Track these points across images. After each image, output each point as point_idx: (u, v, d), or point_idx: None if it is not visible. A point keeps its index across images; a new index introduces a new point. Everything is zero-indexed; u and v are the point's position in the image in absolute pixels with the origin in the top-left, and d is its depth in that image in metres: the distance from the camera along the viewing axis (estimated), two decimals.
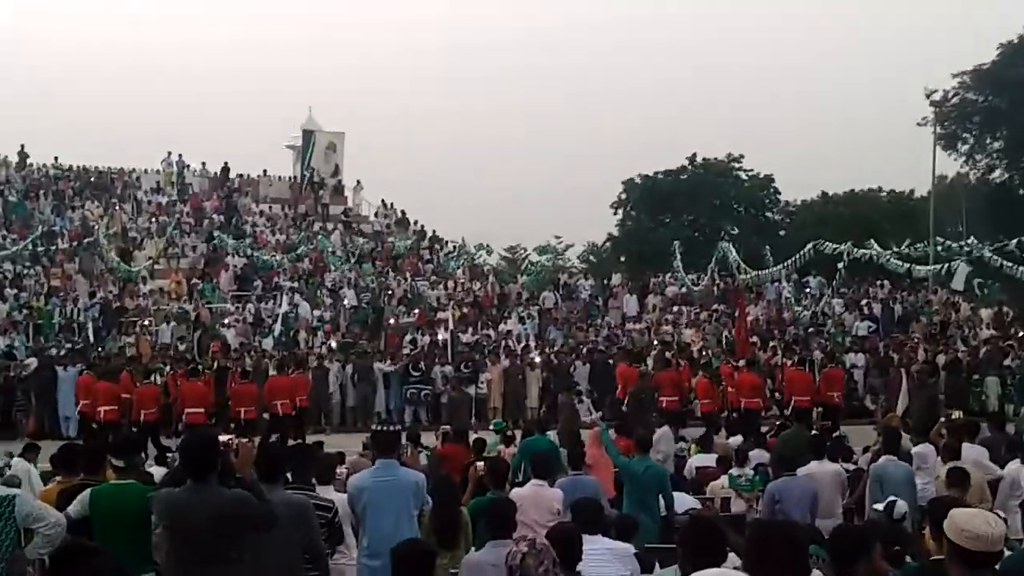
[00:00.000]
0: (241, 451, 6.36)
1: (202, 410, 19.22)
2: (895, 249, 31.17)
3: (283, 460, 6.80)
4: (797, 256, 30.54)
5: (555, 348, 26.38)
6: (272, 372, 21.47)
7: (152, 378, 20.26)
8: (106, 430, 18.27)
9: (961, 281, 28.48)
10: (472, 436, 13.68)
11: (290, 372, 20.91)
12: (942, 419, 14.61)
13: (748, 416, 19.55)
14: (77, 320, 27.41)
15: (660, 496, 10.09)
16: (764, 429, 16.98)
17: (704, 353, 24.69)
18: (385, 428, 7.52)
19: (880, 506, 8.55)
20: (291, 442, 16.21)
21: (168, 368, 21.73)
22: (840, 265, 30.50)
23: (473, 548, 7.77)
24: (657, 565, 6.92)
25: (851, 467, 12.29)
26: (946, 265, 28.64)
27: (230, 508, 5.77)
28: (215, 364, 22.32)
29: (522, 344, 27.36)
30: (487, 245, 38.72)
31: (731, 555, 4.88)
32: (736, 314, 26.76)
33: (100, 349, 25.14)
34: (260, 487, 6.18)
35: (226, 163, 43.80)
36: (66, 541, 6.05)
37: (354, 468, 12.17)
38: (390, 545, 6.62)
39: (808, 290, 33.63)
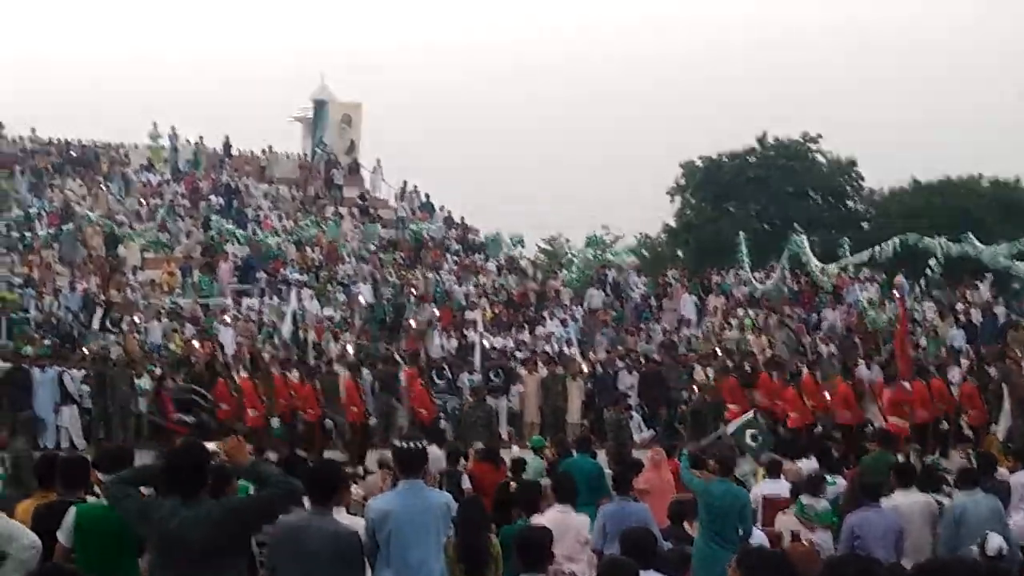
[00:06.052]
0: (231, 444, 6.44)
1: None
2: (998, 245, 30.76)
3: (338, 481, 6.83)
4: (878, 250, 30.25)
5: (601, 355, 26.34)
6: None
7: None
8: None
9: None
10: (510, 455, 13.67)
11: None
12: None
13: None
14: (56, 315, 27.69)
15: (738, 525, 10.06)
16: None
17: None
18: (410, 444, 7.52)
19: (975, 546, 8.48)
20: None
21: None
22: (931, 262, 30.15)
23: None
24: None
25: (944, 500, 12.17)
26: None
27: (225, 518, 5.85)
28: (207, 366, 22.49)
29: (563, 349, 27.34)
30: (520, 238, 38.75)
31: None
32: (895, 319, 24.90)
33: (83, 349, 25.33)
34: (262, 466, 6.23)
35: (227, 138, 44.22)
36: (43, 566, 6.10)
37: (368, 489, 12.24)
38: None
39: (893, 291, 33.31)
